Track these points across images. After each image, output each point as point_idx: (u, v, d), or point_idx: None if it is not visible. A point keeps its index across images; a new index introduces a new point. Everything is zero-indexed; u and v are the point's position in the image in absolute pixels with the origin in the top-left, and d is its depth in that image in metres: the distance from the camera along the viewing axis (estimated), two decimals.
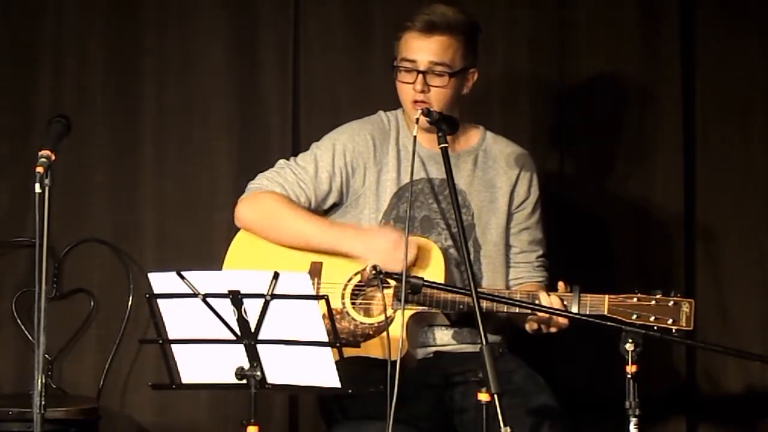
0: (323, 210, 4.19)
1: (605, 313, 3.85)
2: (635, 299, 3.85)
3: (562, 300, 3.89)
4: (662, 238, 4.94)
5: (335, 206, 4.19)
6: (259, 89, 4.93)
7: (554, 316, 3.88)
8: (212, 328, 3.46)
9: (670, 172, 4.93)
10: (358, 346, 3.85)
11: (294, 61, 4.94)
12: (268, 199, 4.11)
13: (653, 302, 3.84)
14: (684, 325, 3.82)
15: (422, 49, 4.05)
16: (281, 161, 4.21)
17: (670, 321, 3.82)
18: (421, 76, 4.05)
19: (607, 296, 3.87)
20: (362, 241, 3.99)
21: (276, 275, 3.39)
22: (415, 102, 4.05)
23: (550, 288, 4.03)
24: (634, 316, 3.82)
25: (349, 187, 4.16)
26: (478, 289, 3.72)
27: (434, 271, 3.95)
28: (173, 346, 3.51)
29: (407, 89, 4.08)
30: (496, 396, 3.46)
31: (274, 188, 4.12)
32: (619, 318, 3.83)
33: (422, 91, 4.04)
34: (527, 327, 3.96)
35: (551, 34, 4.96)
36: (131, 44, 4.92)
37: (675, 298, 3.84)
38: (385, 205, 4.13)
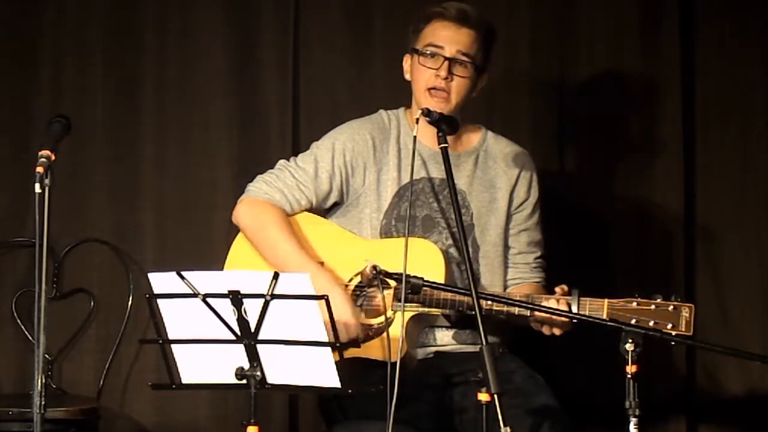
0: (324, 209, 4.19)
1: (604, 317, 3.83)
2: (635, 303, 3.83)
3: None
4: (662, 238, 4.94)
5: (336, 205, 4.18)
6: (259, 89, 4.93)
7: (557, 318, 3.87)
8: (212, 328, 3.46)
9: (670, 172, 4.93)
10: (358, 347, 3.85)
11: (294, 61, 4.93)
12: (266, 213, 4.08)
13: (653, 307, 3.81)
14: (683, 330, 3.78)
15: (452, 38, 4.04)
16: (281, 162, 4.19)
17: (669, 326, 3.78)
18: (446, 62, 4.03)
19: (606, 300, 3.85)
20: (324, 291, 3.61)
21: (276, 275, 3.38)
22: (433, 89, 4.03)
23: (548, 291, 4.02)
24: (633, 321, 3.78)
25: (349, 187, 4.15)
26: (478, 290, 3.71)
27: (434, 271, 3.94)
28: (173, 346, 3.51)
29: (427, 74, 4.05)
30: (496, 396, 3.45)
31: (273, 195, 4.10)
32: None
33: (445, 78, 4.02)
34: (533, 324, 3.94)
35: (551, 34, 4.96)
36: (131, 44, 4.92)
37: (675, 303, 3.80)
38: (386, 204, 4.12)
